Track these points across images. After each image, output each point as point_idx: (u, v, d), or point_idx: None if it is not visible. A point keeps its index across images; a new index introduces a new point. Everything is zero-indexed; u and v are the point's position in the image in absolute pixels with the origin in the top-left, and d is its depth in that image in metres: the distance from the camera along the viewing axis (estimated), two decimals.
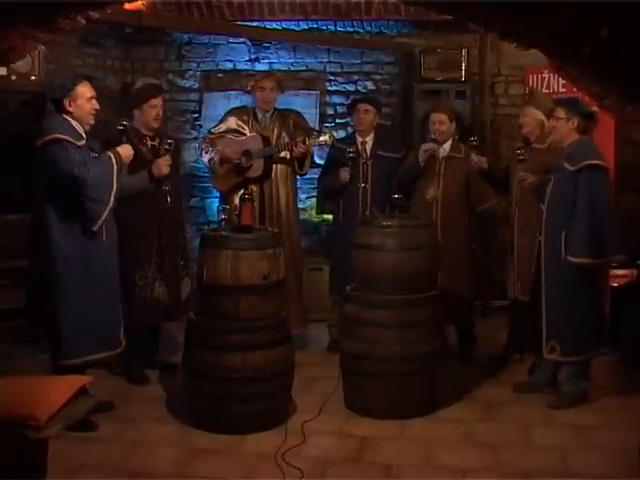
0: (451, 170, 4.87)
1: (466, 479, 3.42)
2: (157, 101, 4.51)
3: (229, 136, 4.99)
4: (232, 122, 5.04)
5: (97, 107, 3.90)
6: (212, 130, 5.13)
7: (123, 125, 4.00)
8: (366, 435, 3.85)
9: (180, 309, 4.60)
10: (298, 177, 5.32)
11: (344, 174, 5.00)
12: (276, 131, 5.06)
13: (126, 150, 3.94)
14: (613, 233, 4.00)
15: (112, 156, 3.84)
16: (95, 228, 3.80)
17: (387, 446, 3.74)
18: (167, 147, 4.43)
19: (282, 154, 5.02)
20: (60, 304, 3.82)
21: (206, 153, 5.02)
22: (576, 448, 3.70)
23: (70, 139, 3.76)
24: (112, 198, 3.79)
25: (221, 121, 5.16)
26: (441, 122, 4.89)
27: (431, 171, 4.91)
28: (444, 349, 4.29)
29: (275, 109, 5.16)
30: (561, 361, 4.17)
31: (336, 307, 5.11)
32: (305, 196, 6.30)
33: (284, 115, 5.19)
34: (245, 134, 5.00)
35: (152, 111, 4.48)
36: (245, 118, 5.07)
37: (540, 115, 4.57)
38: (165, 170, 4.36)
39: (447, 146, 4.93)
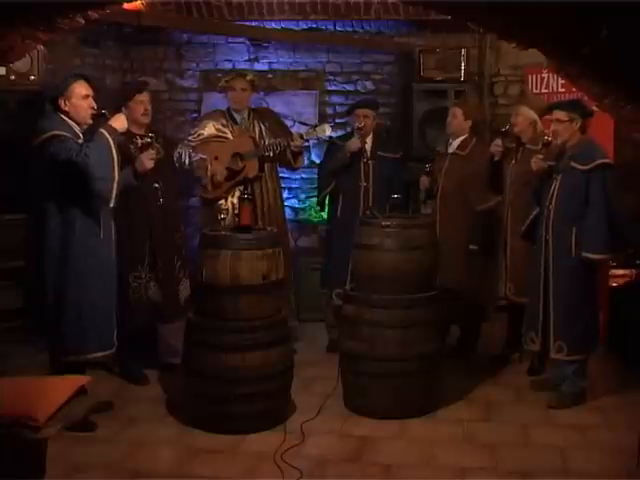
0: (452, 167, 4.88)
1: (466, 479, 3.43)
2: (143, 97, 4.50)
3: (213, 141, 4.90)
4: (210, 127, 4.95)
5: (94, 106, 3.86)
6: (190, 138, 4.98)
7: (102, 113, 3.91)
8: (365, 435, 3.86)
9: (176, 311, 4.59)
10: (297, 176, 5.31)
11: (355, 142, 4.98)
12: (257, 130, 5.03)
13: (119, 120, 3.86)
14: (626, 227, 4.04)
15: (104, 131, 3.77)
16: (112, 204, 3.76)
17: (387, 446, 3.74)
18: (148, 140, 4.34)
19: (269, 153, 4.96)
20: (59, 302, 3.81)
21: (193, 161, 4.82)
22: (575, 448, 3.71)
23: (68, 135, 3.75)
24: (116, 171, 3.74)
25: (198, 126, 5.05)
26: (454, 116, 4.92)
27: (438, 166, 4.95)
28: (444, 349, 4.30)
29: (250, 109, 5.11)
30: (567, 360, 4.17)
31: (328, 304, 5.13)
32: (305, 196, 6.31)
33: (261, 113, 5.17)
34: (227, 137, 4.95)
35: (139, 107, 4.47)
36: (223, 122, 5.00)
37: (533, 114, 4.57)
38: (149, 165, 4.28)
39: (456, 142, 4.94)
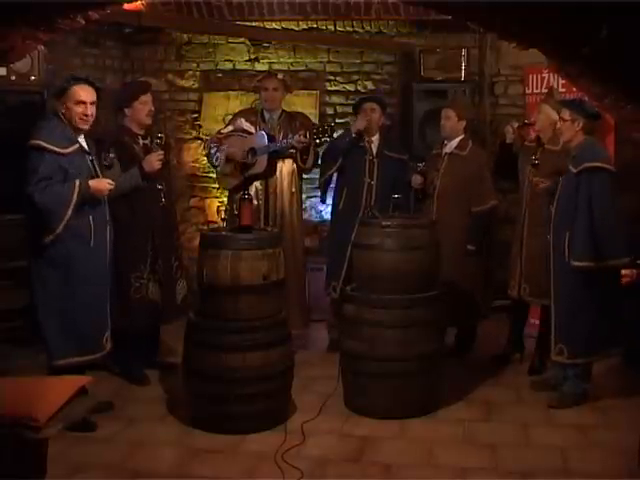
0: (451, 168, 4.88)
1: (466, 479, 3.42)
2: (147, 97, 4.49)
3: (236, 135, 4.99)
4: (241, 122, 5.04)
5: (88, 113, 3.80)
6: (221, 130, 5.14)
7: (111, 157, 4.05)
8: (366, 435, 3.85)
9: (174, 311, 4.59)
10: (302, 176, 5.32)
11: (360, 121, 4.98)
12: (282, 132, 5.05)
13: (101, 184, 3.84)
14: (614, 236, 3.97)
15: (76, 186, 3.72)
16: (44, 242, 3.73)
17: (387, 446, 3.74)
18: (158, 141, 4.39)
19: (290, 150, 4.99)
20: (44, 305, 3.81)
21: (214, 153, 5.03)
22: (576, 448, 3.70)
23: (52, 147, 3.71)
24: (59, 228, 3.71)
25: (230, 122, 5.17)
26: (447, 117, 4.91)
27: (434, 166, 4.94)
28: (444, 349, 4.30)
29: (283, 111, 5.16)
30: (568, 363, 4.16)
31: (332, 303, 5.12)
32: (305, 196, 6.30)
33: (292, 116, 5.19)
34: (251, 133, 5.00)
35: (144, 108, 4.46)
36: (253, 119, 5.08)
37: (555, 115, 4.51)
38: (157, 165, 4.31)
39: (454, 143, 4.93)
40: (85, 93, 3.81)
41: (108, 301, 3.99)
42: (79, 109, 3.79)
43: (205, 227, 6.13)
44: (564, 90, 5.35)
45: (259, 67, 6.36)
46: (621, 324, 4.21)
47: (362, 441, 3.79)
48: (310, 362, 4.82)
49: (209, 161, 5.22)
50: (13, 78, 4.63)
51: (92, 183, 3.80)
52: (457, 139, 4.93)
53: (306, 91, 6.37)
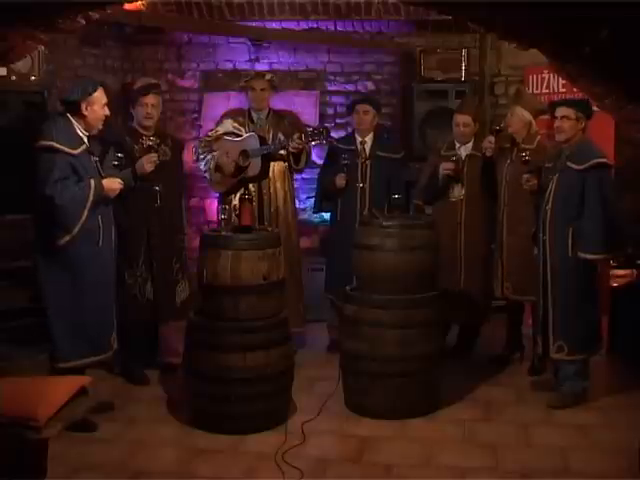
0: (473, 170, 4.84)
1: (466, 479, 3.43)
2: (148, 99, 4.50)
3: (226, 138, 4.97)
4: (228, 125, 5.02)
5: (108, 114, 3.91)
6: (209, 134, 5.10)
7: (119, 157, 4.05)
8: (366, 435, 3.86)
9: (170, 311, 4.60)
10: (297, 177, 5.32)
11: (340, 180, 5.01)
12: (272, 131, 5.03)
13: (113, 184, 3.89)
14: (622, 227, 4.03)
15: (92, 187, 3.77)
16: (58, 244, 3.76)
17: (387, 446, 3.74)
18: (150, 144, 4.36)
19: (280, 152, 4.98)
20: (54, 307, 3.82)
21: (203, 158, 4.99)
22: (576, 448, 3.71)
23: (63, 148, 3.74)
24: (76, 228, 3.75)
25: (217, 124, 5.13)
26: (465, 124, 4.83)
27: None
28: (444, 349, 4.30)
29: (271, 109, 5.14)
30: (567, 360, 4.17)
31: (333, 307, 5.12)
32: (305, 196, 6.31)
33: (280, 115, 5.17)
34: (242, 135, 4.99)
35: (142, 109, 4.49)
36: (241, 120, 5.04)
37: (528, 115, 4.56)
38: (148, 168, 4.26)
39: (470, 145, 4.91)
40: (105, 95, 3.92)
41: (114, 301, 4.02)
42: (103, 111, 3.88)
43: (206, 227, 6.13)
44: (564, 90, 5.34)
45: (259, 67, 6.36)
46: (601, 321, 4.28)
47: (362, 441, 3.79)
48: (310, 362, 4.82)
49: (200, 167, 5.13)
50: (13, 78, 4.62)
51: (105, 183, 3.85)
52: (472, 141, 4.91)
53: (306, 91, 6.37)
